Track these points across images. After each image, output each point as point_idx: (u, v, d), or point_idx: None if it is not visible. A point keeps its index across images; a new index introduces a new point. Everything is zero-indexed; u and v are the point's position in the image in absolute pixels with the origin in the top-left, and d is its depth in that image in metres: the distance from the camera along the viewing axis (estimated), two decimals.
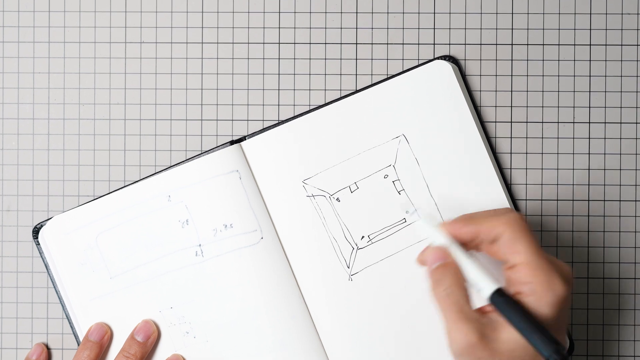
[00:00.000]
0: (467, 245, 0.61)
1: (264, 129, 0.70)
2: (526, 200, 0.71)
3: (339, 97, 0.71)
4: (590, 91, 0.71)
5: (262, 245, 0.69)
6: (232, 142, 0.70)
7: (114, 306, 0.70)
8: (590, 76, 0.71)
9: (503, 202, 0.69)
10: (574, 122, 0.71)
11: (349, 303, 0.69)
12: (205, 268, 0.69)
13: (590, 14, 0.71)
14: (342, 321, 0.69)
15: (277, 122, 0.71)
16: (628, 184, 0.71)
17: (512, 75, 0.71)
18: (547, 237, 0.71)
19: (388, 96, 0.70)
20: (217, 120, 0.72)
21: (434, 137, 0.70)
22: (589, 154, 0.71)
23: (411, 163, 0.70)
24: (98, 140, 0.72)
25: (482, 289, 0.58)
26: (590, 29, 0.71)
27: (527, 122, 0.71)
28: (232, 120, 0.72)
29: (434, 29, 0.71)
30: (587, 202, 0.71)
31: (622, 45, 0.71)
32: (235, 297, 0.69)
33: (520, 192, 0.71)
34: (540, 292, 0.57)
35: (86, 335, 0.69)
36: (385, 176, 0.70)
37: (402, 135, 0.70)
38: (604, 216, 0.71)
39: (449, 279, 0.59)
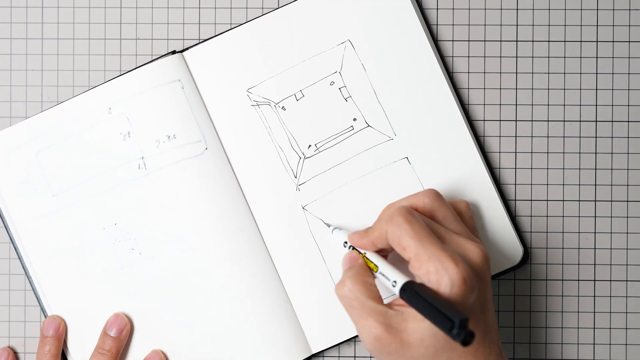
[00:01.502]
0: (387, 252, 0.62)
1: (206, 39, 0.69)
2: (531, 200, 0.70)
3: (279, 5, 0.69)
4: (597, 89, 0.70)
5: (206, 156, 0.68)
6: (174, 52, 0.69)
7: (58, 226, 0.68)
8: (597, 74, 0.70)
9: (451, 100, 0.68)
10: (580, 121, 0.70)
11: (296, 212, 0.69)
12: (149, 181, 0.68)
13: (597, 9, 0.70)
14: (288, 229, 0.68)
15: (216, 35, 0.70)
16: (636, 184, 0.70)
17: (516, 73, 0.70)
18: (553, 238, 0.70)
19: (332, 1, 0.69)
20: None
21: (380, 41, 0.69)
22: (595, 153, 0.70)
23: (358, 69, 0.69)
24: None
25: (394, 286, 0.58)
26: (597, 25, 0.70)
27: (531, 120, 0.70)
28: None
29: None
30: (593, 202, 0.70)
31: (629, 42, 0.70)
32: (180, 209, 0.68)
33: (525, 192, 0.70)
34: (435, 281, 0.56)
35: (41, 332, 0.68)
36: (332, 83, 0.69)
37: (347, 40, 0.69)
38: (611, 217, 0.70)
39: (349, 277, 0.59)
